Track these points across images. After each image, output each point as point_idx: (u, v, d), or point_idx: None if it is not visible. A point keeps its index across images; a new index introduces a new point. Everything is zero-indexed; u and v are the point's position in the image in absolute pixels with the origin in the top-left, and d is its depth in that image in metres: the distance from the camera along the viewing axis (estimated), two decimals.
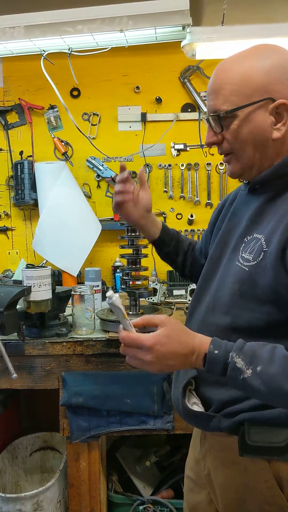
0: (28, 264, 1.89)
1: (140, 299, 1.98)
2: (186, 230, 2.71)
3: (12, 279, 2.46)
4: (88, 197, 2.73)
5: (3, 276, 2.61)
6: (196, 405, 1.14)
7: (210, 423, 1.11)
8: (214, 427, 1.11)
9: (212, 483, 1.20)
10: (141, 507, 2.07)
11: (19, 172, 2.65)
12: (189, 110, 2.66)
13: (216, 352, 0.96)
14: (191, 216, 2.68)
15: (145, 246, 1.96)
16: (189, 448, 1.36)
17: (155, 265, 2.63)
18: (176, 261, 1.55)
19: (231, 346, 0.96)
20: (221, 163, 2.63)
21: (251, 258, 1.06)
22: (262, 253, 1.03)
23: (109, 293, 0.97)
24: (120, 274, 2.43)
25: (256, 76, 1.05)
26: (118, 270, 2.64)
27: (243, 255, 1.09)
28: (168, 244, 1.51)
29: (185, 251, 1.54)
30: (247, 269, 1.06)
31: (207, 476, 1.21)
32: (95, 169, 2.71)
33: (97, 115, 2.70)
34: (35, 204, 2.66)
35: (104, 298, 2.51)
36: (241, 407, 1.07)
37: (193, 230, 2.71)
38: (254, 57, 1.07)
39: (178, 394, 1.15)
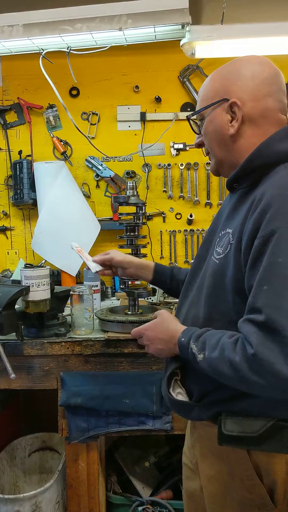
0: (26, 264, 1.88)
1: (139, 299, 1.98)
2: (185, 230, 2.70)
3: (11, 279, 2.46)
4: (87, 196, 2.72)
5: (2, 276, 2.60)
6: (180, 395, 1.21)
7: (192, 413, 1.18)
8: (196, 417, 1.18)
9: (199, 471, 1.26)
10: (140, 508, 2.06)
11: (18, 172, 2.64)
12: (189, 109, 2.65)
13: (183, 339, 1.13)
14: (191, 216, 2.67)
15: (144, 246, 1.96)
16: (185, 436, 1.42)
17: None
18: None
19: (195, 334, 1.11)
20: None
21: (221, 251, 1.14)
22: (229, 246, 1.11)
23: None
24: None
25: (217, 81, 1.21)
26: None
27: (217, 249, 1.17)
28: (165, 282, 1.62)
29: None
30: (218, 262, 1.15)
31: (195, 464, 1.29)
32: (94, 168, 2.70)
33: (96, 114, 2.69)
34: (34, 203, 2.65)
35: (103, 298, 2.51)
36: (220, 397, 1.12)
37: (193, 230, 2.70)
38: (221, 67, 1.23)
39: (164, 384, 1.24)
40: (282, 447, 1.08)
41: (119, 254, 1.63)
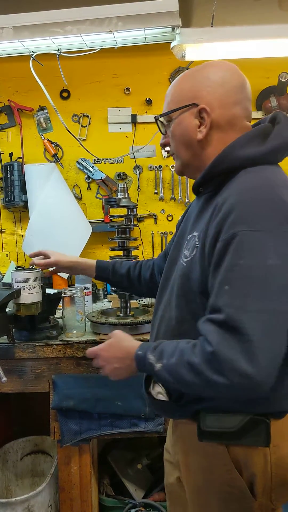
0: (17, 267, 1.88)
1: (131, 301, 1.98)
2: None
3: (1, 281, 2.45)
4: (79, 199, 2.71)
5: None
6: (161, 395, 1.22)
7: (172, 412, 1.22)
8: (176, 416, 1.23)
9: (181, 468, 1.29)
10: (133, 510, 2.06)
11: (8, 174, 2.63)
12: None
13: (139, 352, 1.13)
14: None
15: (136, 248, 1.96)
16: (167, 434, 1.46)
17: None
18: (127, 288, 1.72)
19: (152, 346, 1.13)
20: None
21: (188, 254, 1.17)
22: (195, 249, 1.14)
23: None
24: None
25: (187, 84, 1.21)
26: None
27: (185, 252, 1.20)
28: (107, 278, 1.70)
29: (127, 276, 1.66)
30: (185, 265, 1.17)
31: (177, 461, 1.32)
32: (85, 170, 2.70)
33: (87, 116, 2.69)
34: (25, 206, 2.65)
35: (94, 300, 2.50)
36: (197, 396, 1.13)
37: None
38: (191, 70, 1.23)
39: (144, 385, 1.27)
40: (259, 440, 1.11)
41: (64, 258, 1.69)
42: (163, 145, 1.31)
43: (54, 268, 1.72)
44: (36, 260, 1.70)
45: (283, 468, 1.15)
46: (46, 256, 1.70)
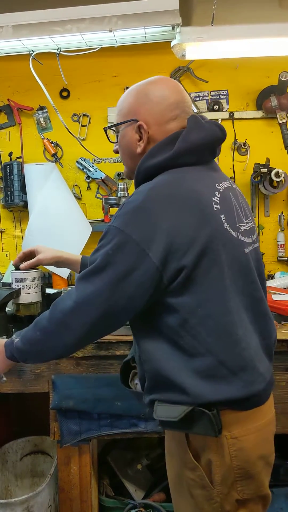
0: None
1: None
2: None
3: (1, 281, 2.44)
4: (78, 198, 2.71)
5: None
6: (138, 385, 1.35)
7: (145, 401, 1.28)
8: (147, 405, 1.28)
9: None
10: (133, 511, 2.05)
11: (8, 174, 2.62)
12: None
13: (6, 341, 1.33)
14: None
15: None
16: None
17: None
18: None
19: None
20: None
21: None
22: None
23: None
24: None
25: (130, 100, 1.31)
26: None
27: None
28: None
29: None
30: None
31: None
32: (85, 170, 2.70)
33: (87, 116, 2.69)
34: (25, 205, 2.64)
35: None
36: (149, 385, 1.24)
37: None
38: (136, 86, 1.32)
39: (120, 377, 1.45)
40: (206, 430, 1.16)
41: (46, 256, 1.73)
42: (116, 152, 1.41)
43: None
44: (21, 265, 1.75)
45: (246, 461, 1.18)
46: (29, 256, 1.77)
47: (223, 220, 1.19)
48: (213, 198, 1.19)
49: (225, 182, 1.29)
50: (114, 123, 1.35)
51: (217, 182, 1.26)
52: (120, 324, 1.22)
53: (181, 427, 1.20)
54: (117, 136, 1.37)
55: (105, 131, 1.42)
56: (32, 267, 1.75)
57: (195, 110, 2.61)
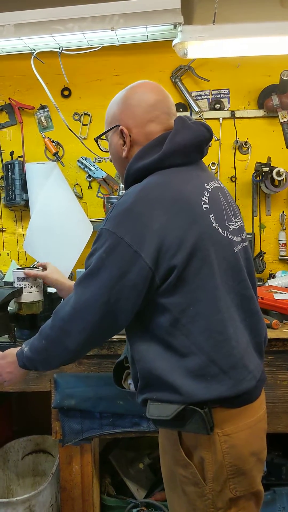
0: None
1: None
2: None
3: (3, 280, 2.44)
4: (79, 197, 2.71)
5: None
6: (132, 385, 1.37)
7: (138, 401, 1.29)
8: (141, 404, 1.29)
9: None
10: (134, 510, 2.05)
11: (9, 173, 2.62)
12: (181, 110, 2.65)
13: (17, 350, 1.37)
14: None
15: None
16: None
17: None
18: None
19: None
20: (213, 163, 2.62)
21: None
22: None
23: None
24: None
25: (113, 108, 1.36)
26: None
27: None
28: None
29: None
30: None
31: None
32: (86, 169, 2.69)
33: (88, 115, 2.68)
34: (26, 205, 2.64)
35: None
36: (141, 384, 1.25)
37: None
38: (118, 94, 1.37)
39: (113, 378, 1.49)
40: (198, 428, 1.17)
41: (52, 275, 1.72)
42: (111, 160, 1.44)
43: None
44: (26, 270, 1.76)
45: (237, 458, 1.20)
46: (44, 268, 1.78)
47: (212, 220, 1.21)
48: (202, 198, 1.21)
49: (213, 181, 1.31)
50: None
51: (206, 182, 1.27)
52: (119, 327, 1.23)
53: (174, 425, 1.21)
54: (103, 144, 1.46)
55: (96, 141, 1.48)
56: (34, 269, 1.77)
57: (197, 109, 2.61)
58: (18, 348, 1.39)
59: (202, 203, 1.20)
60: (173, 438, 1.25)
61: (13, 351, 1.40)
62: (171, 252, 1.12)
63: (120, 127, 1.30)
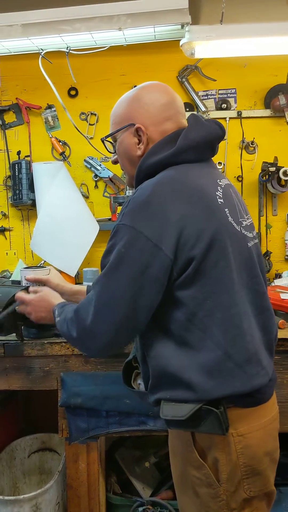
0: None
1: None
2: None
3: (10, 279, 2.45)
4: (86, 197, 2.71)
5: (1, 277, 2.60)
6: (142, 385, 1.36)
7: (149, 401, 1.28)
8: (152, 404, 1.27)
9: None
10: (140, 509, 2.06)
11: (16, 172, 2.63)
12: (187, 109, 2.64)
13: (54, 308, 1.40)
14: None
15: None
16: None
17: None
18: None
19: (62, 303, 1.40)
20: (219, 163, 2.62)
21: None
22: None
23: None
24: None
25: (123, 107, 1.34)
26: None
27: None
28: None
29: None
30: None
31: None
32: (92, 169, 2.70)
33: (95, 114, 2.69)
34: (33, 204, 2.65)
35: None
36: (154, 384, 1.23)
37: None
38: (126, 94, 1.36)
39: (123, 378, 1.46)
40: (213, 428, 1.16)
41: (53, 281, 1.71)
42: (114, 162, 1.43)
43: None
44: (30, 275, 1.74)
45: (252, 458, 1.19)
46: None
47: (228, 214, 1.20)
48: (217, 193, 1.21)
49: (224, 179, 1.31)
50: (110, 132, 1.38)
51: (218, 179, 1.28)
52: (141, 325, 1.19)
53: (188, 425, 1.19)
54: (114, 146, 1.39)
55: (103, 141, 1.43)
56: (39, 272, 1.75)
57: (203, 109, 2.61)
58: (56, 300, 1.45)
59: (217, 197, 1.20)
60: (185, 439, 1.23)
61: (51, 301, 1.46)
62: (190, 243, 1.11)
63: (137, 125, 1.29)
